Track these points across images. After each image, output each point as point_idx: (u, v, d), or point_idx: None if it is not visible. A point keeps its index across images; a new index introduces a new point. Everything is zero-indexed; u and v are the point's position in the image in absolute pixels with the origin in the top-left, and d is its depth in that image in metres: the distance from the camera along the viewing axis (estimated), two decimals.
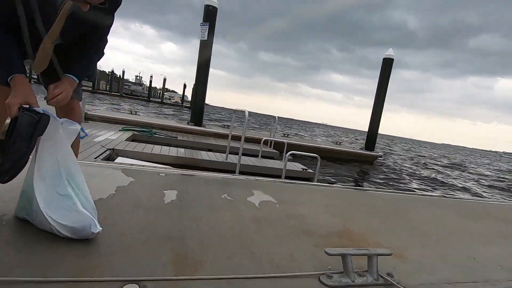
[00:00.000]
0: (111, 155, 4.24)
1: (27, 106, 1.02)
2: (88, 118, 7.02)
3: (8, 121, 1.12)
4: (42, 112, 1.03)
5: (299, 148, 7.66)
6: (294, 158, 6.08)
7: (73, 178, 1.17)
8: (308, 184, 3.08)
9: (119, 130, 6.06)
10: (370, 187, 6.04)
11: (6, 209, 1.30)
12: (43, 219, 1.12)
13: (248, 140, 6.37)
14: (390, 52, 10.56)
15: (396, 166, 11.63)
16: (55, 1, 1.03)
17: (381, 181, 7.43)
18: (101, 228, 1.17)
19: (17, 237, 1.15)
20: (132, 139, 5.78)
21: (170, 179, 2.30)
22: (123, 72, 42.67)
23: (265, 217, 1.79)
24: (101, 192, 1.73)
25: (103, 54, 1.27)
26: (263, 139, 5.71)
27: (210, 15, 7.94)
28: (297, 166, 5.30)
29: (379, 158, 10.85)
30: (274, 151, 6.72)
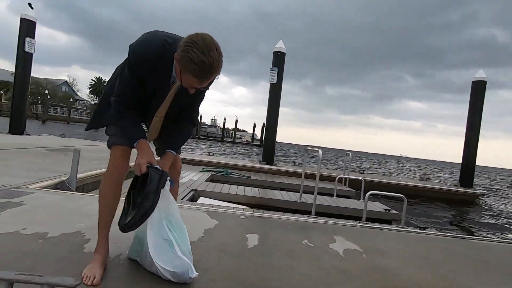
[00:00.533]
0: (194, 196, 4.63)
1: (150, 164, 1.24)
2: None
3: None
4: (161, 169, 1.24)
5: (378, 186, 7.06)
6: (373, 196, 5.60)
7: (173, 225, 1.32)
8: (394, 229, 2.77)
9: (199, 171, 6.63)
10: (476, 235, 5.05)
11: (121, 249, 1.52)
12: (151, 262, 1.28)
13: (321, 178, 6.18)
14: (480, 74, 9.34)
15: (505, 206, 9.55)
16: (169, 83, 1.29)
17: (487, 228, 6.09)
18: (197, 274, 1.27)
19: (128, 275, 1.33)
20: (211, 179, 6.23)
21: (250, 221, 2.37)
22: (201, 116, 47.81)
23: (350, 269, 1.66)
24: (192, 234, 1.87)
25: (196, 124, 1.51)
26: (337, 177, 5.48)
27: (278, 60, 8.48)
28: (378, 207, 4.85)
29: (481, 197, 9.12)
30: (350, 189, 6.33)
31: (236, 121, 50.09)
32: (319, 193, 4.53)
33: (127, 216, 1.20)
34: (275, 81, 8.47)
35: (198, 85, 1.14)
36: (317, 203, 4.09)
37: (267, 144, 9.01)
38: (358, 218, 3.99)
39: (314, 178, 7.11)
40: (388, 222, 4.55)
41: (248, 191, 5.07)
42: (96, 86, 54.08)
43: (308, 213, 3.95)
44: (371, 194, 3.48)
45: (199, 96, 1.39)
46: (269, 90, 8.71)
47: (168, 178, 1.29)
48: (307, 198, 5.01)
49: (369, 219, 3.82)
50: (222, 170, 7.02)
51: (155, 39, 1.21)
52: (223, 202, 4.29)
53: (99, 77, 54.97)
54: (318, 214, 3.98)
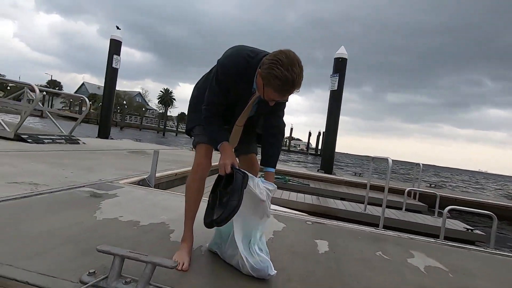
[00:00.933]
0: None
1: (233, 165, 1.33)
2: None
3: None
4: (244, 171, 1.32)
5: (455, 202, 6.26)
6: (451, 214, 4.99)
7: (255, 224, 1.37)
8: (483, 250, 2.43)
9: (258, 177, 6.76)
10: None
11: (202, 241, 1.63)
12: (231, 256, 1.35)
13: (388, 190, 5.79)
14: None
15: None
16: (249, 94, 1.38)
17: None
18: (275, 272, 1.30)
19: (210, 265, 1.42)
20: None
21: (316, 227, 2.33)
22: None
23: (436, 287, 1.51)
24: None
25: (283, 134, 1.56)
26: (406, 190, 5.04)
27: (340, 66, 8.27)
28: (457, 225, 4.31)
29: None
30: (421, 204, 5.77)
31: (291, 129, 50.03)
32: (386, 206, 4.24)
33: (214, 213, 1.29)
34: (335, 88, 8.27)
35: (279, 98, 1.23)
36: (385, 216, 3.83)
37: (326, 152, 8.78)
38: (432, 236, 3.58)
39: (377, 189, 6.68)
40: (470, 243, 4.00)
41: (308, 199, 4.99)
42: (164, 97, 59.54)
43: (373, 225, 3.70)
44: (452, 210, 3.11)
45: (279, 106, 1.46)
46: (329, 97, 8.52)
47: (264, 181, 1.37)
48: (372, 210, 4.72)
49: (447, 238, 3.42)
50: (280, 177, 7.05)
51: (239, 54, 1.32)
52: (283, 208, 4.30)
53: (167, 88, 60.51)
54: (386, 227, 3.71)
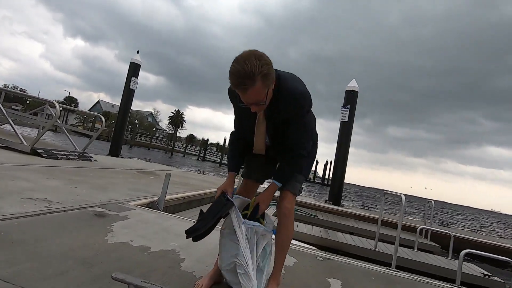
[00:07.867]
0: None
1: (224, 192, 1.36)
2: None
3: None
4: (230, 200, 1.32)
5: (469, 244, 5.99)
6: (465, 257, 4.76)
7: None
8: None
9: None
10: None
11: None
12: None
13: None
14: None
15: None
16: (248, 112, 1.27)
17: None
18: None
19: None
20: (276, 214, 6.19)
21: (328, 264, 2.26)
22: None
23: None
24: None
25: (312, 159, 1.48)
26: (419, 228, 4.87)
27: (351, 98, 8.40)
28: (474, 270, 4.10)
29: None
30: (433, 244, 5.53)
31: None
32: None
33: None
34: (346, 120, 8.33)
35: (244, 97, 1.13)
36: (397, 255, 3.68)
37: (335, 183, 8.66)
38: (445, 279, 3.41)
39: (387, 225, 6.47)
40: None
41: (317, 231, 4.86)
42: (175, 118, 60.75)
43: (384, 264, 3.55)
44: (469, 254, 2.97)
45: (296, 124, 1.33)
46: (340, 129, 8.56)
47: (271, 229, 1.39)
48: (383, 247, 4.55)
49: (462, 284, 3.24)
50: None
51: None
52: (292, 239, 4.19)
53: (178, 110, 61.90)
54: (398, 267, 3.55)
